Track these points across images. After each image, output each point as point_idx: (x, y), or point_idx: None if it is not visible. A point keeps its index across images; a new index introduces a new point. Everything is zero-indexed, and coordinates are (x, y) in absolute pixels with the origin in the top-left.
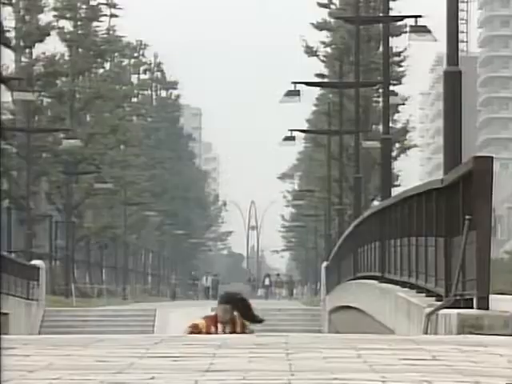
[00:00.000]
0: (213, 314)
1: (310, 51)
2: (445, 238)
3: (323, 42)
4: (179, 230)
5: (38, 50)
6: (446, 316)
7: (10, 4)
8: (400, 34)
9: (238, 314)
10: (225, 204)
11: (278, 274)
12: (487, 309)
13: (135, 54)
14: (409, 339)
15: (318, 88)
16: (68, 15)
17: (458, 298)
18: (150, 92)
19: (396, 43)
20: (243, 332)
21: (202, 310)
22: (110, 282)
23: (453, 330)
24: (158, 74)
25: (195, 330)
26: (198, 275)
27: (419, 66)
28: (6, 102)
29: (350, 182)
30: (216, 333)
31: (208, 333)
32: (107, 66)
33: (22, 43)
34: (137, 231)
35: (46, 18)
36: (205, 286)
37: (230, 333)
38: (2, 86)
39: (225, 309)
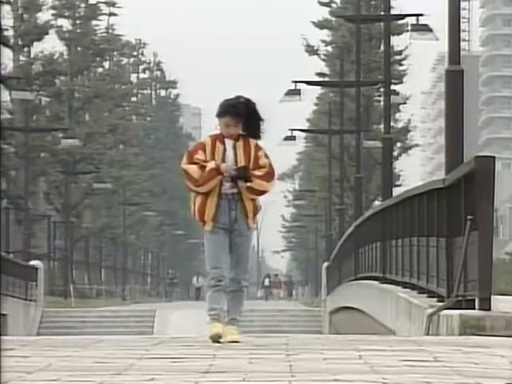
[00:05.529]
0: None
1: (311, 50)
2: (446, 239)
3: (324, 41)
4: (178, 230)
5: (37, 48)
6: (448, 317)
7: (9, 2)
8: (401, 33)
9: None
10: None
11: (276, 275)
12: (489, 310)
13: (134, 53)
14: (410, 340)
15: (319, 87)
16: (67, 14)
17: (459, 298)
18: (149, 91)
19: (397, 42)
20: (256, 154)
21: (202, 311)
22: (108, 282)
23: (454, 331)
24: (158, 73)
25: (199, 145)
26: (177, 274)
27: (421, 64)
28: (4, 101)
29: (350, 182)
30: (224, 149)
31: (213, 150)
32: (106, 64)
33: (20, 42)
34: (136, 231)
35: (44, 16)
36: (196, 286)
37: (244, 152)
38: (1, 86)
39: (225, 123)
